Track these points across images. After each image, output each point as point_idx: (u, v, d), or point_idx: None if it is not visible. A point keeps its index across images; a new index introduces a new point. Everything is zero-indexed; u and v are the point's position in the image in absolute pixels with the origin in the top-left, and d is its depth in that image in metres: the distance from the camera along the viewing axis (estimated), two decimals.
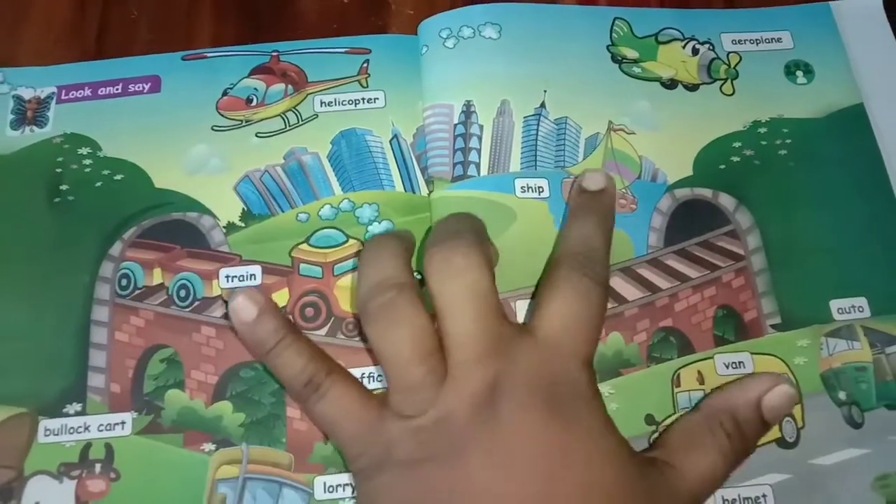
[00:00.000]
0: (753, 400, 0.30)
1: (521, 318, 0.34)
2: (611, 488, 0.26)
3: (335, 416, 0.30)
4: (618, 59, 0.40)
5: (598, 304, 0.30)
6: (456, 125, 0.38)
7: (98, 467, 0.33)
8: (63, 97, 0.40)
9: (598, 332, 0.30)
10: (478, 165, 0.37)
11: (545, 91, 0.39)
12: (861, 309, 0.35)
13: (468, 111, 0.38)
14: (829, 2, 0.42)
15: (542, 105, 0.39)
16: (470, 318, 0.28)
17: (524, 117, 0.38)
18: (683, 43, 0.41)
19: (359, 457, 0.29)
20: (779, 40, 0.41)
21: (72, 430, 0.33)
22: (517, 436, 0.26)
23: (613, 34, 0.41)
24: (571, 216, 0.34)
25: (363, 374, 0.34)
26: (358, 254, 0.36)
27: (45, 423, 0.33)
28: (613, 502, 0.26)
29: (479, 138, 0.38)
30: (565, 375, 0.28)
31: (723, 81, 0.40)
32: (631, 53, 0.40)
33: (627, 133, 0.38)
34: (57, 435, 0.33)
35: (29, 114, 0.39)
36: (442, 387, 0.28)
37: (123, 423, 0.33)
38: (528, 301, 0.35)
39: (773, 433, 0.33)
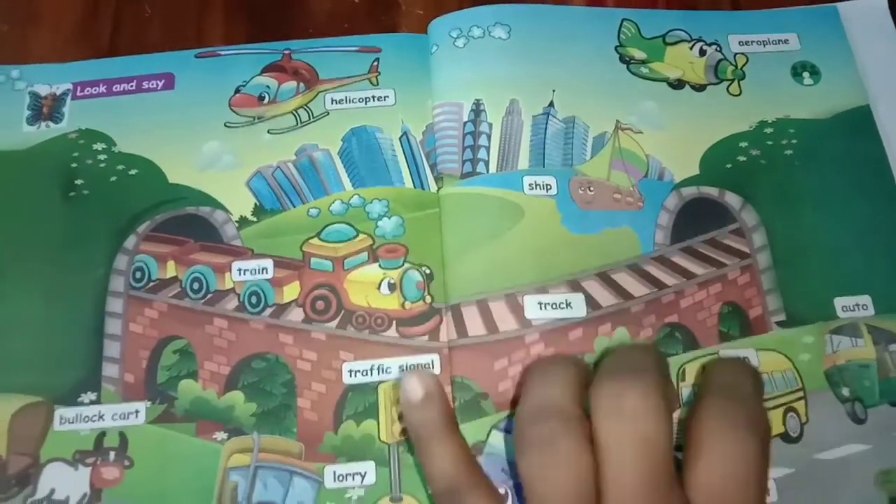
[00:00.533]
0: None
1: (528, 315, 0.35)
2: None
3: None
4: (626, 60, 0.41)
5: (762, 461, 0.27)
6: (465, 123, 0.39)
7: (112, 455, 0.33)
8: (78, 94, 0.40)
9: (764, 491, 0.27)
10: (487, 163, 0.38)
11: (554, 91, 0.39)
12: (865, 307, 0.36)
13: (477, 110, 0.39)
14: (836, 3, 0.42)
15: (551, 104, 0.39)
16: (637, 472, 0.25)
17: (533, 116, 0.39)
18: (691, 44, 0.41)
19: None
20: (785, 42, 0.41)
21: (87, 419, 0.34)
22: None
23: (621, 35, 0.41)
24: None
25: (372, 366, 0.35)
26: (368, 248, 0.37)
27: (61, 412, 0.34)
28: None
29: (489, 136, 0.38)
30: None
31: (730, 82, 0.40)
32: (639, 54, 0.41)
33: (635, 132, 0.39)
34: (72, 423, 0.34)
35: (45, 110, 0.40)
36: None
37: (137, 412, 0.34)
38: (535, 297, 0.35)
39: (777, 428, 0.34)
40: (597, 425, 0.26)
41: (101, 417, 0.34)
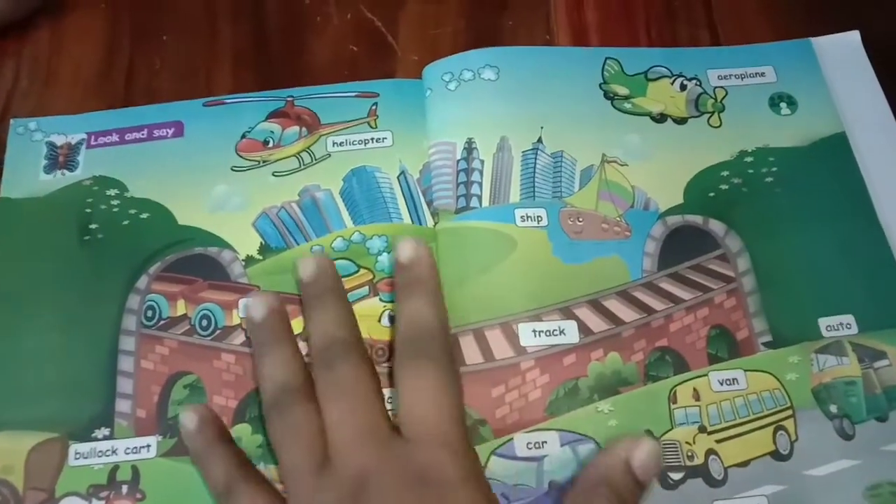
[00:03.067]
0: (622, 464, 0.29)
1: (523, 342, 0.36)
2: None
3: None
4: (610, 96, 0.43)
5: (445, 381, 0.30)
6: (458, 161, 0.41)
7: (125, 489, 0.34)
8: (92, 143, 0.42)
9: (459, 408, 0.30)
10: (480, 197, 0.40)
11: (542, 127, 0.41)
12: (849, 326, 0.37)
13: (470, 148, 0.41)
14: (811, 38, 0.44)
15: (540, 140, 0.41)
16: (347, 409, 0.29)
17: (523, 152, 0.41)
18: (672, 79, 0.43)
19: None
20: (762, 74, 0.43)
21: (100, 454, 0.35)
22: None
23: (605, 73, 0.43)
24: (397, 297, 0.34)
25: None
26: (369, 282, 0.38)
27: (76, 447, 0.35)
28: None
29: (481, 172, 0.40)
30: (434, 466, 0.27)
31: (710, 114, 0.42)
32: (622, 90, 0.43)
33: (620, 165, 0.41)
34: (86, 458, 0.35)
35: (61, 159, 0.42)
36: (325, 471, 0.28)
37: (149, 446, 0.35)
38: (529, 324, 0.36)
39: (768, 446, 0.34)
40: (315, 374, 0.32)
41: (114, 452, 0.35)
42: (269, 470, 0.34)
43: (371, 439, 0.28)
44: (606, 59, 0.44)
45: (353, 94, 0.43)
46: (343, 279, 0.38)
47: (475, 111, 0.42)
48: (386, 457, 0.27)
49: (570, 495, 0.30)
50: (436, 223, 0.40)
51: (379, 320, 0.37)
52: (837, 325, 0.37)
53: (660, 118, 0.42)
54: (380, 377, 0.35)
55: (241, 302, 0.37)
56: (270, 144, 0.42)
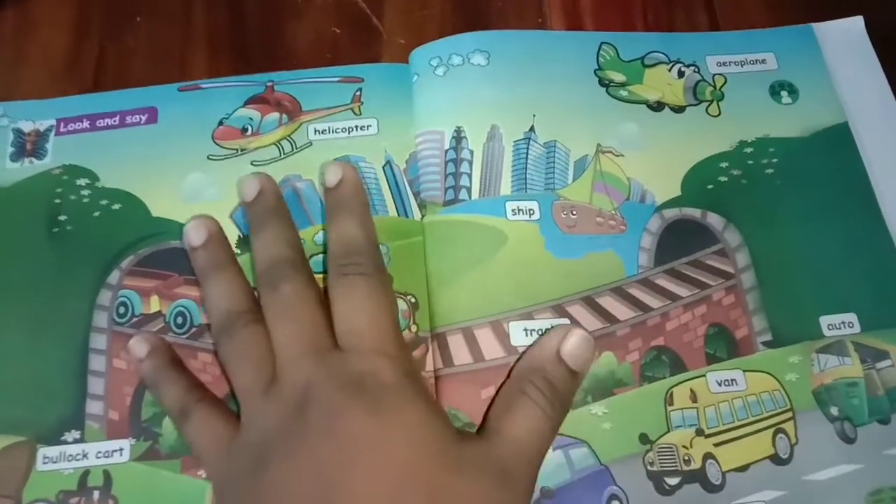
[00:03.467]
0: (554, 353, 0.30)
1: (514, 342, 0.35)
2: (410, 467, 0.26)
3: (197, 441, 0.31)
4: (605, 83, 0.41)
5: (377, 294, 0.31)
6: (447, 150, 0.39)
7: (97, 494, 0.33)
8: (62, 129, 0.40)
9: (392, 318, 0.31)
10: (469, 189, 0.38)
11: (534, 115, 0.40)
12: (851, 325, 0.36)
13: (458, 137, 0.39)
14: (812, 23, 0.43)
15: (532, 129, 0.39)
16: (292, 329, 0.30)
17: (514, 141, 0.39)
18: (669, 66, 0.42)
19: (214, 480, 0.30)
20: (763, 62, 0.42)
21: (70, 458, 0.33)
22: (318, 434, 0.27)
23: (600, 58, 0.42)
24: (327, 219, 0.34)
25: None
26: None
27: (44, 451, 0.33)
28: (413, 479, 0.26)
29: (470, 163, 0.39)
30: (371, 372, 0.28)
31: (708, 103, 0.41)
32: (618, 77, 0.41)
33: (615, 155, 0.39)
34: (55, 462, 0.33)
35: (28, 146, 0.40)
36: (271, 388, 0.29)
37: (121, 449, 0.34)
38: (520, 323, 0.35)
39: (767, 450, 0.33)
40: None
41: (84, 456, 0.33)
42: None
43: (313, 354, 0.29)
44: (602, 44, 0.42)
45: (337, 79, 0.42)
46: (324, 276, 0.37)
47: (464, 98, 0.40)
48: (326, 368, 0.28)
49: (503, 387, 0.31)
50: (423, 216, 0.38)
51: None
52: (839, 323, 0.36)
53: (657, 106, 0.40)
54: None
55: (184, 229, 0.36)
56: (249, 132, 0.40)
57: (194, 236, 0.34)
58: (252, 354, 0.30)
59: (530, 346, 0.32)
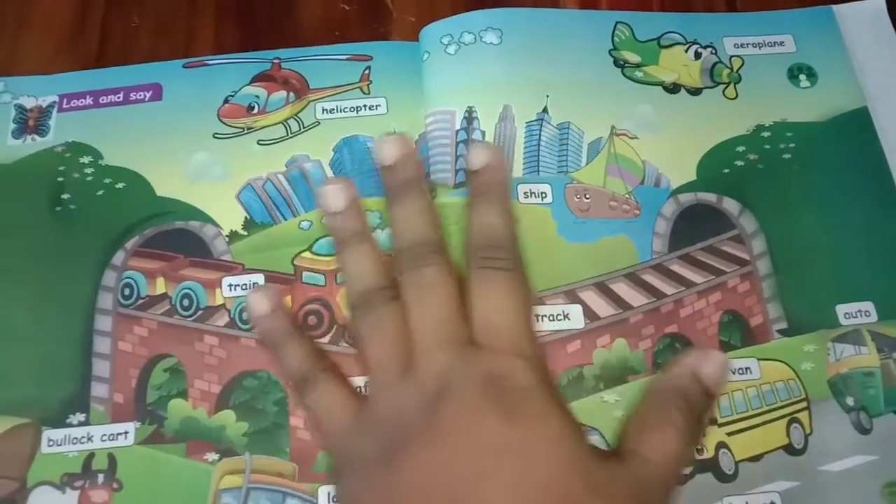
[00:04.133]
0: (694, 375, 0.29)
1: None
2: (551, 483, 0.25)
3: (320, 410, 0.30)
4: (620, 64, 0.40)
5: (517, 291, 0.30)
6: (458, 131, 0.38)
7: (101, 478, 0.33)
8: (65, 106, 0.40)
9: (531, 320, 0.30)
10: None
11: (547, 96, 0.39)
12: (868, 313, 0.35)
13: (470, 117, 0.38)
14: (832, 5, 0.42)
15: (545, 110, 0.39)
16: (432, 313, 0.29)
17: (526, 122, 0.38)
18: (686, 47, 0.41)
19: (336, 455, 0.29)
20: (781, 44, 0.41)
21: (75, 441, 0.33)
22: (454, 432, 0.26)
23: (615, 38, 0.41)
24: (469, 205, 0.32)
25: (366, 382, 0.34)
26: None
27: (49, 434, 0.33)
28: (552, 497, 0.25)
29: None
30: (509, 374, 0.27)
31: (725, 85, 0.40)
32: (633, 58, 0.40)
33: (630, 138, 0.38)
34: (60, 445, 0.33)
35: (31, 123, 0.39)
36: (409, 372, 0.28)
37: (126, 433, 0.33)
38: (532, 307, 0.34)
39: (781, 440, 0.33)
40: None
41: (89, 439, 0.33)
42: (253, 460, 0.33)
43: (452, 344, 0.28)
44: (617, 23, 0.41)
45: (345, 56, 0.41)
46: (333, 258, 0.36)
47: (476, 77, 0.39)
48: (465, 362, 0.27)
49: (640, 407, 0.29)
50: (433, 198, 0.37)
51: None
52: (856, 312, 0.35)
53: (673, 88, 0.40)
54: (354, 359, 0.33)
55: (322, 191, 0.32)
56: (255, 110, 0.39)
57: (334, 201, 0.31)
58: (390, 332, 0.29)
59: (667, 366, 0.30)
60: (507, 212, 0.31)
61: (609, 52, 0.40)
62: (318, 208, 0.37)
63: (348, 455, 0.28)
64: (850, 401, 0.33)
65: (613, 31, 0.41)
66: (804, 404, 0.34)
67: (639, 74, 0.40)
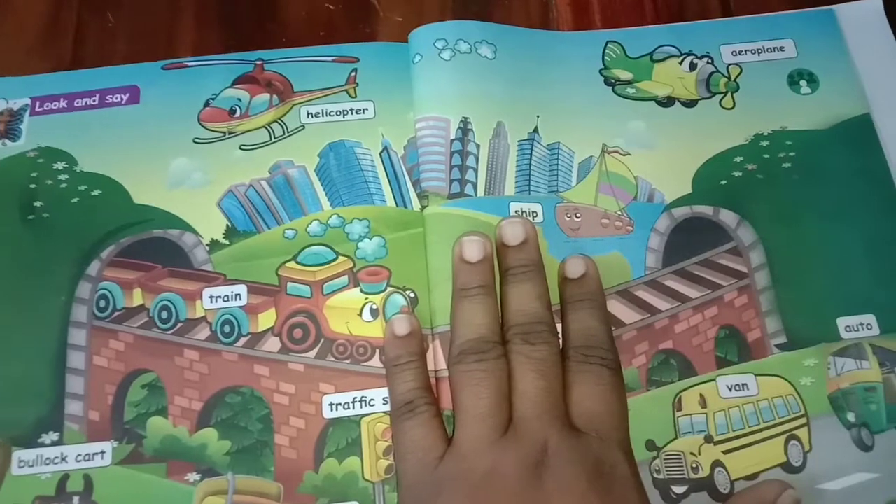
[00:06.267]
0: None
1: None
2: None
3: (412, 440, 0.30)
4: (611, 82, 0.39)
5: (619, 388, 0.31)
6: (453, 140, 0.37)
7: (76, 500, 0.31)
8: (37, 109, 0.38)
9: (626, 414, 0.31)
10: (475, 185, 0.36)
11: (538, 116, 0.38)
12: (869, 326, 0.34)
13: (465, 128, 0.37)
14: (833, 6, 0.41)
15: (535, 130, 0.38)
16: (541, 386, 0.30)
17: (518, 141, 0.37)
18: (680, 59, 0.40)
19: (408, 487, 0.29)
20: (781, 49, 0.40)
21: (48, 461, 0.32)
22: None
23: (606, 58, 0.39)
24: (565, 309, 0.33)
25: (354, 398, 0.33)
26: (349, 271, 0.35)
27: (20, 454, 0.32)
28: None
29: (476, 157, 0.37)
30: (614, 463, 0.29)
31: (723, 95, 0.39)
32: (624, 75, 0.39)
33: (622, 154, 0.37)
34: (32, 466, 0.32)
35: (1, 126, 0.38)
36: (504, 435, 0.29)
37: (103, 452, 0.32)
38: None
39: (779, 457, 0.32)
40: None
41: (63, 459, 0.32)
42: (236, 480, 0.32)
43: (557, 421, 0.29)
44: (607, 42, 0.40)
45: (331, 58, 0.39)
46: (320, 268, 0.35)
47: (472, 88, 0.38)
48: (568, 441, 0.29)
49: None
50: (423, 207, 0.36)
51: (360, 314, 0.34)
52: (857, 325, 0.34)
53: (666, 102, 0.38)
54: (362, 376, 0.33)
55: (460, 240, 0.33)
56: (237, 114, 0.38)
57: (472, 252, 0.32)
58: (495, 388, 0.30)
59: (743, 492, 0.31)
60: (607, 316, 0.33)
61: (600, 71, 0.39)
62: (303, 216, 0.36)
63: (424, 489, 0.29)
64: (851, 417, 0.33)
65: (604, 51, 0.40)
66: (803, 420, 0.33)
67: (631, 91, 0.39)
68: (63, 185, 0.36)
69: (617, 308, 0.34)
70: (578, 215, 0.36)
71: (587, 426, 0.29)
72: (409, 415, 0.30)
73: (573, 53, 0.40)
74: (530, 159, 0.37)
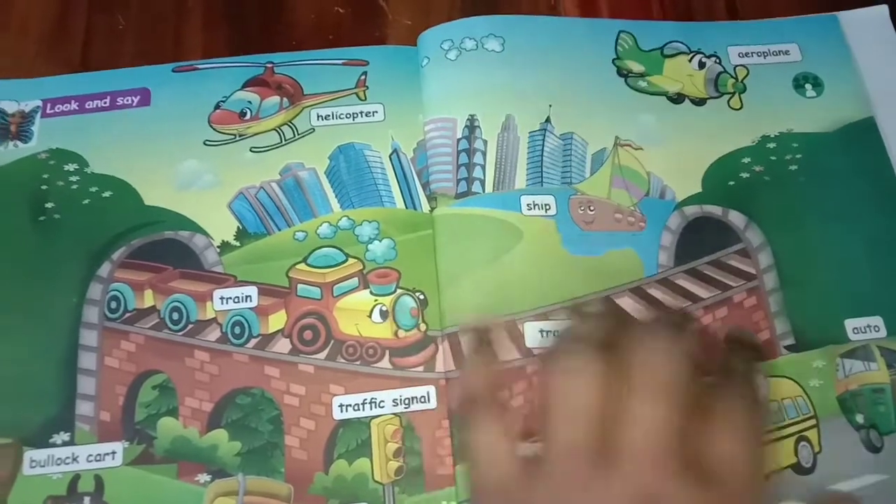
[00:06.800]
0: None
1: (529, 343, 0.33)
2: None
3: (492, 445, 0.25)
4: (623, 73, 0.39)
5: (757, 423, 0.25)
6: (459, 140, 0.37)
7: (87, 501, 0.31)
8: (48, 111, 0.38)
9: (769, 460, 0.25)
10: (482, 182, 0.36)
11: (550, 106, 0.38)
12: (877, 328, 0.34)
13: (472, 125, 0.37)
14: (837, 12, 0.41)
15: (548, 120, 0.38)
16: (660, 415, 0.23)
17: (529, 133, 0.37)
18: (689, 56, 0.40)
19: (484, 494, 0.25)
20: (787, 53, 0.40)
21: (59, 462, 0.32)
22: None
23: (619, 47, 0.40)
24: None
25: (364, 399, 0.33)
26: (358, 273, 0.35)
27: (31, 454, 0.32)
28: None
29: (484, 154, 0.37)
30: None
31: (730, 95, 0.39)
32: (637, 67, 0.39)
33: (634, 148, 0.38)
34: (43, 466, 0.32)
35: (13, 128, 0.38)
36: (604, 471, 0.23)
37: (114, 453, 0.32)
38: (536, 323, 0.33)
39: (789, 458, 0.32)
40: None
41: (74, 459, 0.32)
42: (247, 481, 0.32)
43: (675, 463, 0.23)
44: (620, 32, 0.40)
45: (340, 61, 0.40)
46: (330, 270, 0.35)
47: (478, 85, 0.38)
48: (685, 492, 0.23)
49: None
50: (432, 208, 0.36)
51: (369, 315, 0.35)
52: (865, 327, 0.34)
53: (677, 98, 0.39)
54: (371, 377, 0.33)
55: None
56: (248, 116, 0.38)
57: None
58: (596, 406, 0.24)
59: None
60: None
61: (612, 61, 0.39)
62: (313, 217, 0.36)
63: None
64: (859, 418, 0.33)
65: (617, 40, 0.40)
66: (813, 422, 0.33)
67: (643, 84, 0.39)
68: (74, 187, 0.36)
69: (630, 305, 0.34)
70: (592, 208, 0.36)
71: (716, 473, 0.23)
72: (491, 418, 0.25)
73: (585, 41, 0.40)
74: (542, 150, 0.37)
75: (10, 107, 0.38)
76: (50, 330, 0.34)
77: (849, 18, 0.41)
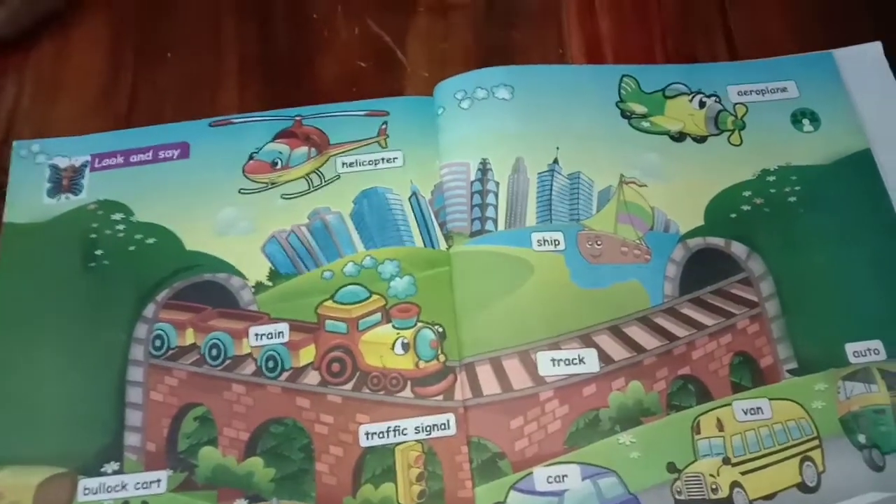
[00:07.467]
0: None
1: (541, 371, 0.35)
2: None
3: None
4: (627, 115, 0.42)
5: None
6: (473, 182, 0.40)
7: None
8: (97, 165, 0.41)
9: None
10: (495, 221, 0.39)
11: (558, 148, 0.40)
12: (877, 351, 0.36)
13: (484, 169, 0.40)
14: (832, 50, 0.43)
15: (555, 161, 0.40)
16: None
17: (538, 173, 0.40)
18: (690, 96, 0.42)
19: None
20: (784, 90, 0.42)
21: (110, 489, 0.34)
22: None
23: (622, 91, 0.42)
24: None
25: (388, 427, 0.35)
26: (381, 308, 0.37)
27: (84, 483, 0.34)
28: None
29: (496, 195, 0.39)
30: None
31: (730, 132, 0.41)
32: (639, 109, 0.42)
33: (639, 185, 0.40)
34: (95, 494, 0.34)
35: (65, 182, 0.41)
36: None
37: (159, 480, 0.34)
38: (548, 353, 0.35)
39: (794, 478, 0.34)
40: None
41: (123, 487, 0.34)
42: None
43: None
44: (623, 76, 0.43)
45: (363, 112, 0.42)
46: (355, 306, 0.37)
47: (489, 131, 0.41)
48: None
49: None
50: (449, 246, 0.39)
51: (392, 348, 0.37)
52: (865, 350, 0.36)
53: (679, 137, 0.41)
54: (395, 406, 0.35)
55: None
56: (279, 166, 0.41)
57: None
58: None
59: None
60: None
61: (616, 104, 0.42)
62: (339, 258, 0.38)
63: None
64: (861, 438, 0.34)
65: (620, 84, 0.42)
66: (816, 442, 0.34)
67: (645, 125, 0.41)
68: (121, 235, 0.39)
69: (637, 334, 0.36)
70: (599, 243, 0.38)
71: None
72: None
73: (590, 86, 0.42)
74: (551, 189, 0.39)
75: (63, 162, 0.42)
76: (100, 367, 0.36)
77: (844, 55, 0.43)
